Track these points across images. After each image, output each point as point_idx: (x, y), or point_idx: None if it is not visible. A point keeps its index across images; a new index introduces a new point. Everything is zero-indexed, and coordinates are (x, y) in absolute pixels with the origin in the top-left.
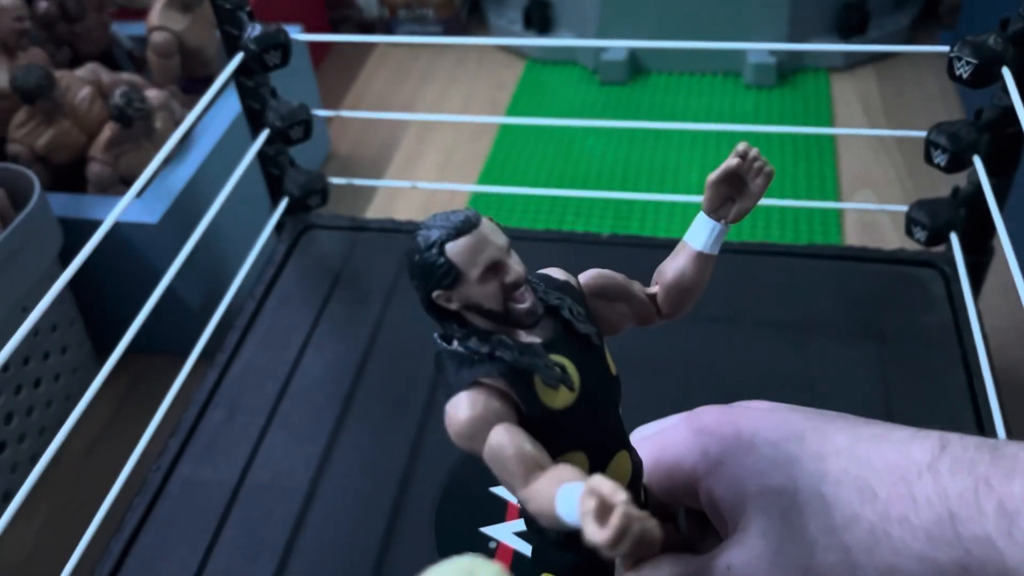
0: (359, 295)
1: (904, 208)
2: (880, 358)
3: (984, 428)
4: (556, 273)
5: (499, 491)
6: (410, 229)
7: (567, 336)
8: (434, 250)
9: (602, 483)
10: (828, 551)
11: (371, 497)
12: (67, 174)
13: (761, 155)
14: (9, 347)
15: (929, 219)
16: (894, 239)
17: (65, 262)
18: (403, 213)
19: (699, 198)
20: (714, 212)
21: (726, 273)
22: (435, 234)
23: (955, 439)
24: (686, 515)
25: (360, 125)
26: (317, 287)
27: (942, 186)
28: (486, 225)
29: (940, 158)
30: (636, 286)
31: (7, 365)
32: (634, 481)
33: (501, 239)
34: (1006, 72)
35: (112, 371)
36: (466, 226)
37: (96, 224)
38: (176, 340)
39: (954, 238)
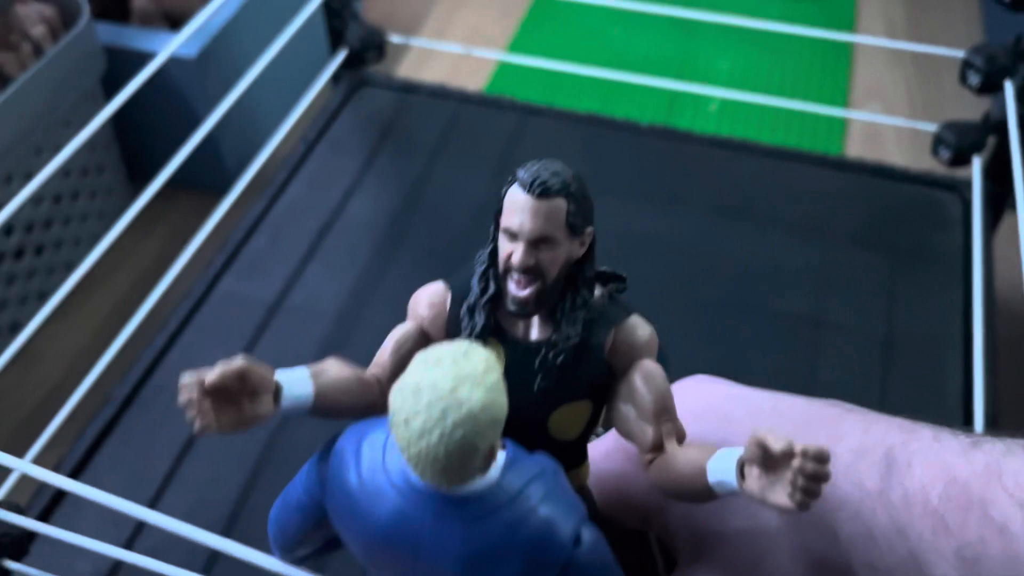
0: (405, 151)
1: (922, 126)
2: (886, 268)
3: (970, 340)
4: (640, 326)
5: None
6: (459, 97)
7: (532, 348)
8: (510, 178)
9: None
10: None
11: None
12: (112, 5)
13: (816, 468)
14: (59, 159)
15: (956, 139)
16: (895, 154)
17: (106, 86)
18: (430, 76)
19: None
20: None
21: (750, 171)
22: (523, 171)
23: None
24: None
25: None
26: (366, 139)
27: (951, 111)
28: (547, 204)
29: (974, 79)
30: (650, 414)
31: (48, 178)
32: None
33: (542, 226)
34: None
35: (150, 206)
36: (533, 186)
37: (137, 54)
38: (205, 177)
39: (976, 162)
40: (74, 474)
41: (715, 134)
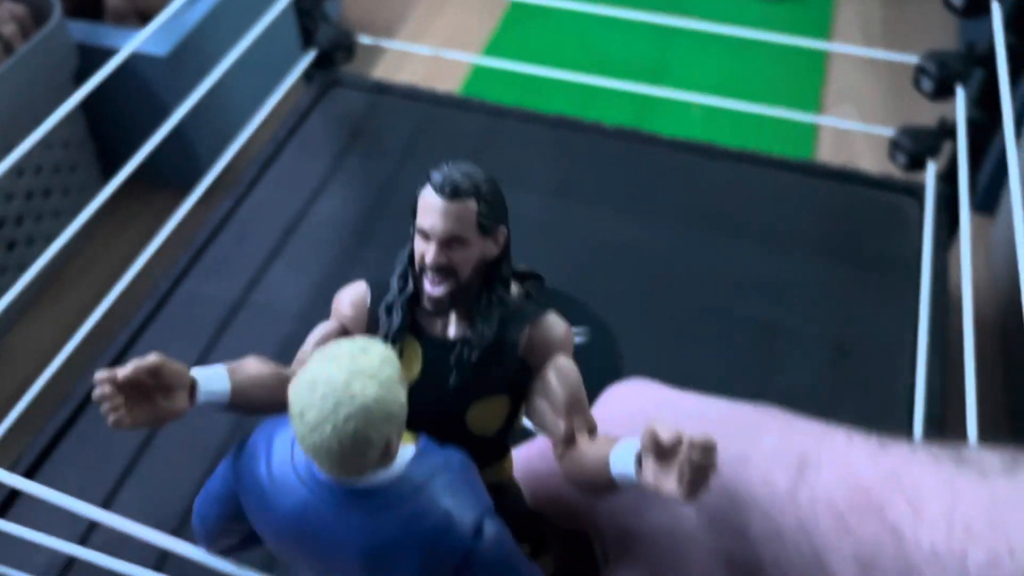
0: (376, 152)
1: (885, 131)
2: (847, 272)
3: (916, 353)
4: (555, 324)
5: None
6: (430, 99)
7: (448, 345)
8: (424, 179)
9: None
10: None
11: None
12: (85, 4)
13: (701, 458)
14: (15, 155)
15: (912, 145)
16: (865, 156)
17: (80, 85)
18: (407, 78)
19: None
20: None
21: (715, 175)
22: (436, 173)
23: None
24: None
25: None
26: (337, 140)
27: (925, 113)
28: (457, 206)
29: (926, 84)
30: (562, 408)
31: (21, 171)
32: None
33: (452, 226)
34: (995, 7)
35: (123, 202)
36: (444, 188)
37: (110, 52)
38: (181, 177)
39: (931, 166)
40: (35, 465)
41: (682, 137)
